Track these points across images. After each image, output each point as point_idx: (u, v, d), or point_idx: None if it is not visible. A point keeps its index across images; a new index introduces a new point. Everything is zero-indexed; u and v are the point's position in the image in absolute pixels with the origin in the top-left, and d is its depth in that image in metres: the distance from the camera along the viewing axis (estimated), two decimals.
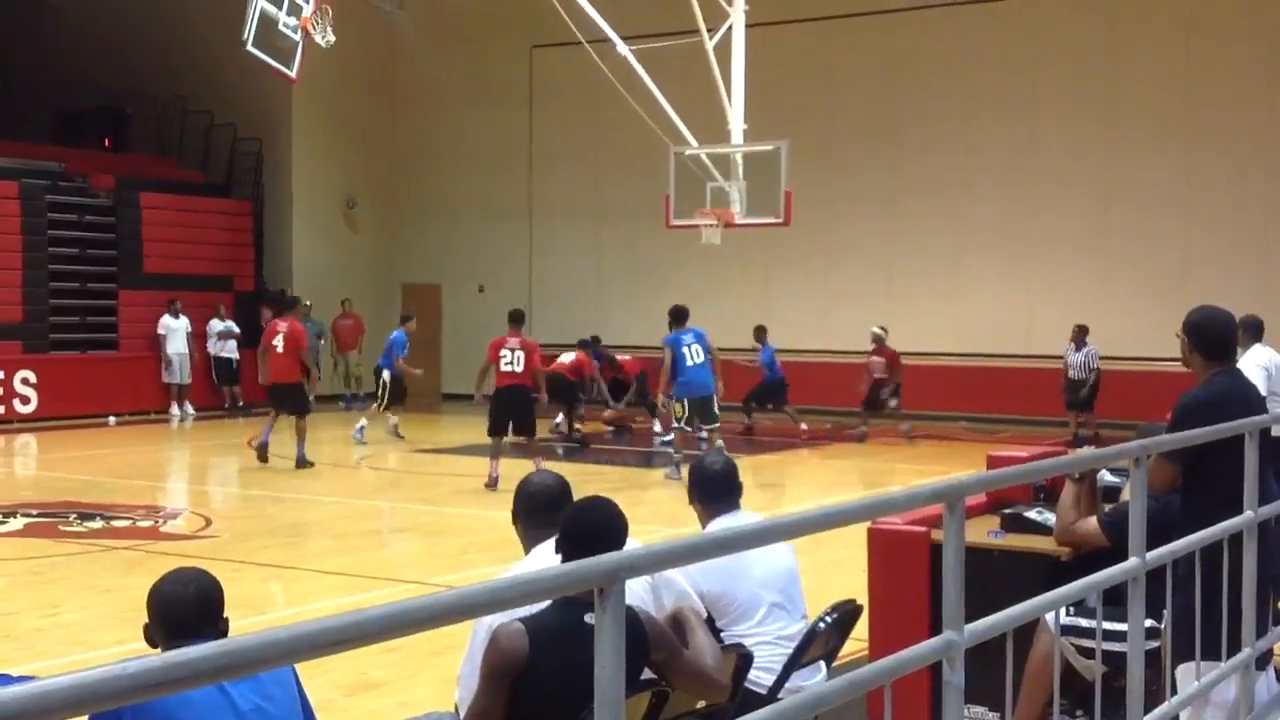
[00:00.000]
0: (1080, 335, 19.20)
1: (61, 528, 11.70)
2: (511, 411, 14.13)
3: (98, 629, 8.04)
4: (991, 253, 21.83)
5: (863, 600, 5.29)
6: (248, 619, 7.47)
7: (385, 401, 18.16)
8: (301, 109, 25.07)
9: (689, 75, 16.59)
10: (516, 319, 14.56)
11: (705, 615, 4.61)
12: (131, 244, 23.17)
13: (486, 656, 3.60)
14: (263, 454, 15.73)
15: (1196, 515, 4.38)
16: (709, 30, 16.30)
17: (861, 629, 5.26)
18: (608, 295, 24.05)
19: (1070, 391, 19.22)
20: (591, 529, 3.69)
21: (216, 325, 23.07)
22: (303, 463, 15.65)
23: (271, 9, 15.73)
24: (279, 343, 15.80)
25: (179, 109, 25.57)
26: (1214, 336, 4.77)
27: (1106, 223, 21.11)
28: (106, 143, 26.68)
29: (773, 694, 4.48)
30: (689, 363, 14.59)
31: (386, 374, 18.10)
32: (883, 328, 19.51)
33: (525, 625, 3.51)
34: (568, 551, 3.65)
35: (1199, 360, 4.75)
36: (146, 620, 3.21)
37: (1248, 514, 4.47)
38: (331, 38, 15.76)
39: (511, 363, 13.97)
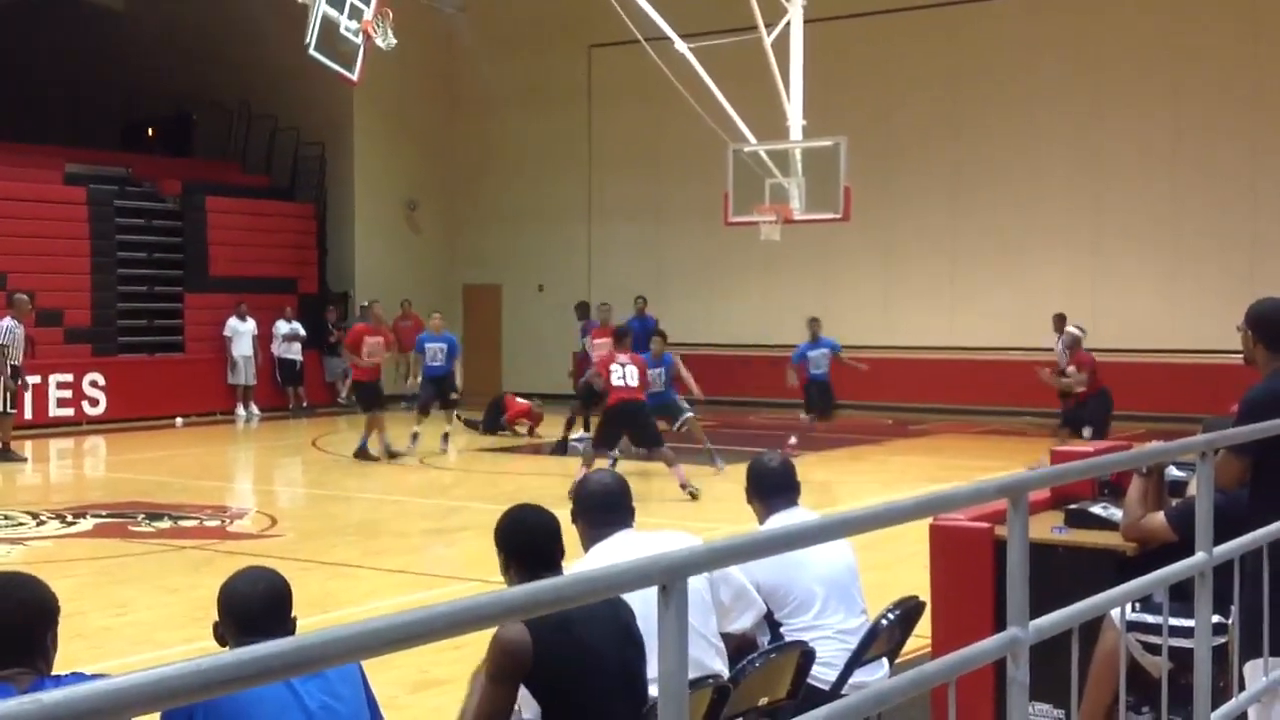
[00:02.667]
0: (1060, 323, 19.06)
1: (130, 528, 11.88)
2: (627, 426, 13.89)
3: (166, 628, 8.16)
4: (1056, 247, 21.62)
5: (925, 597, 5.27)
6: (314, 617, 7.54)
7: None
8: (363, 112, 25.29)
9: (747, 72, 16.56)
10: (619, 336, 14.60)
11: (765, 609, 4.62)
12: (197, 247, 23.48)
13: (492, 659, 3.61)
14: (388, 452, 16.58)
15: (1264, 510, 4.32)
16: (767, 26, 16.26)
17: (924, 626, 5.24)
18: (667, 294, 24.04)
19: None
20: (543, 532, 3.82)
21: (282, 327, 23.33)
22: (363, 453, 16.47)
23: (333, 13, 15.86)
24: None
25: (243, 114, 25.90)
26: (1278, 327, 4.68)
27: (1174, 215, 20.85)
28: (171, 148, 27.06)
29: (835, 690, 4.48)
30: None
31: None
32: (1080, 326, 16.58)
33: (524, 622, 3.49)
34: (523, 559, 3.75)
35: (1263, 353, 4.65)
36: (216, 618, 3.27)
37: None
38: (393, 40, 15.86)
39: (623, 377, 13.75)
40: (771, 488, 5.00)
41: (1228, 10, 20.37)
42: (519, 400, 20.36)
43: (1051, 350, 19.16)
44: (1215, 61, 20.43)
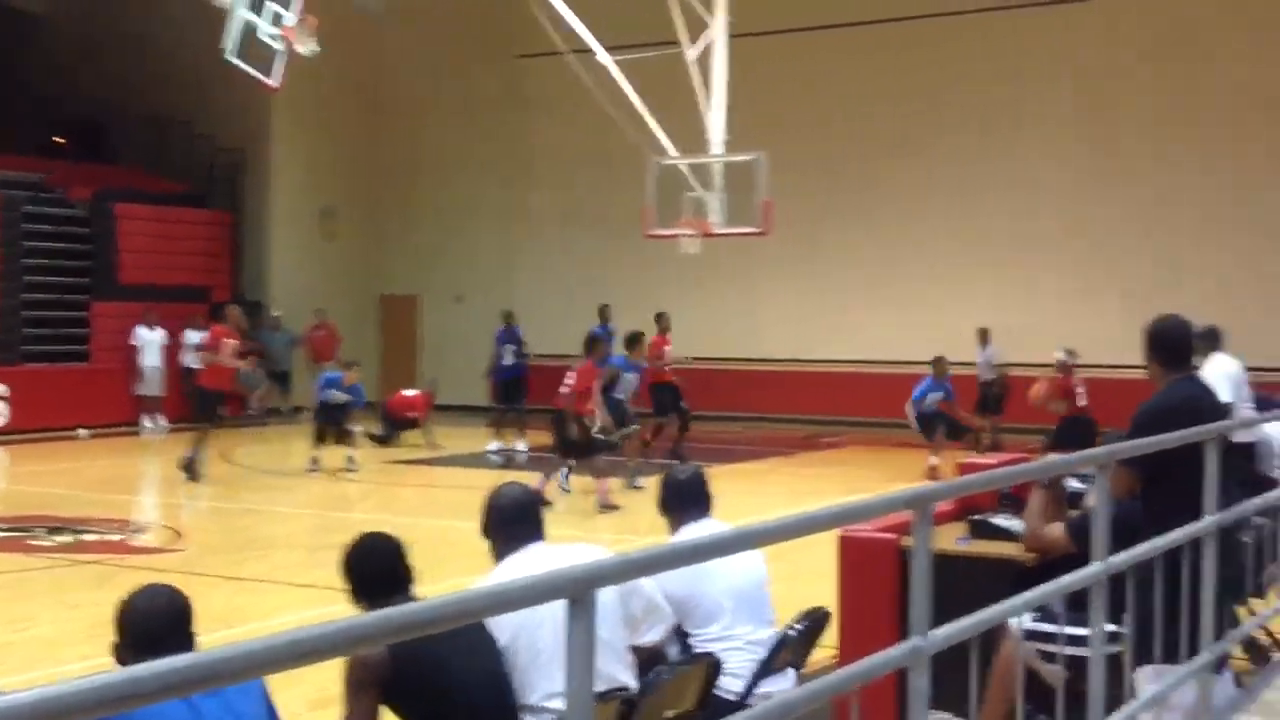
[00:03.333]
0: (983, 337, 19.51)
1: (30, 542, 11.62)
2: (560, 433, 13.85)
3: (66, 644, 8.00)
4: (971, 262, 21.95)
5: (833, 607, 5.33)
6: (219, 633, 7.46)
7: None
8: (282, 119, 25.00)
9: (670, 86, 16.65)
10: (588, 344, 14.50)
11: (675, 622, 4.65)
12: (107, 255, 23.06)
13: (347, 670, 3.64)
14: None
15: (1157, 521, 4.44)
16: (691, 41, 16.36)
17: (831, 636, 5.30)
18: (587, 305, 24.02)
19: (980, 394, 19.43)
20: (383, 560, 3.87)
21: (192, 337, 22.94)
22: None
23: (253, 19, 15.68)
24: None
25: (159, 120, 25.48)
26: (1172, 344, 4.85)
27: (1085, 231, 21.28)
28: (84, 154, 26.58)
29: (742, 701, 4.52)
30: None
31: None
32: (1069, 350, 16.66)
33: None
34: (366, 588, 3.79)
35: (1157, 368, 4.83)
36: (115, 638, 3.22)
37: (1208, 519, 4.53)
38: (314, 47, 15.71)
39: (566, 384, 13.76)
40: (683, 499, 5.04)
41: (1137, 30, 20.86)
42: (405, 393, 20.07)
43: (972, 364, 19.52)
44: (1126, 79, 20.91)
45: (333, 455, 16.69)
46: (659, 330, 18.34)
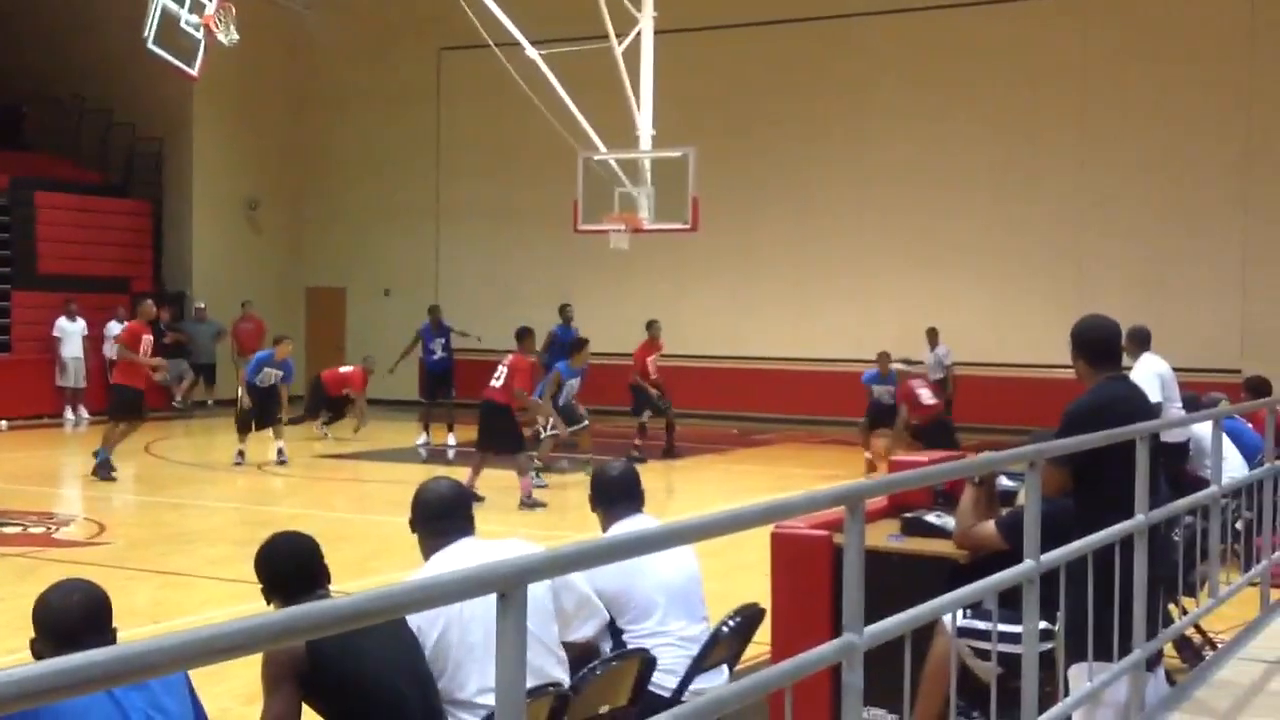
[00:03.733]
0: (933, 338, 19.75)
1: None
2: (488, 427, 13.55)
3: None
4: (897, 260, 22.13)
5: (766, 604, 5.33)
6: (144, 627, 7.33)
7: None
8: (203, 109, 24.68)
9: (598, 81, 16.60)
10: (519, 336, 14.23)
11: (608, 617, 4.62)
12: (25, 244, 22.63)
13: (265, 664, 3.61)
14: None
15: (1088, 519, 4.47)
16: (618, 36, 16.33)
17: (764, 633, 5.30)
18: (516, 300, 23.96)
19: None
20: (296, 560, 3.84)
21: (114, 328, 22.55)
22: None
23: (173, 7, 15.46)
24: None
25: (77, 107, 25.03)
26: (1099, 344, 4.89)
27: (1004, 231, 21.52)
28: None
29: (676, 697, 4.50)
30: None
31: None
32: (906, 359, 17.23)
33: None
34: (279, 588, 3.78)
35: (1084, 367, 4.87)
36: (33, 634, 3.14)
37: (1139, 518, 4.58)
38: (235, 36, 15.52)
39: (496, 377, 13.56)
40: (614, 495, 5.02)
41: (1056, 30, 21.13)
42: (342, 370, 19.74)
43: (922, 363, 19.69)
44: (1044, 79, 21.17)
45: (259, 449, 16.48)
46: (649, 337, 18.47)
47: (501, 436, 13.50)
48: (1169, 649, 6.02)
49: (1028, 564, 3.97)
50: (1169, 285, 20.18)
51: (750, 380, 22.57)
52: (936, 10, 21.75)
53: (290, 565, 3.85)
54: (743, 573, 7.97)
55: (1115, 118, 20.75)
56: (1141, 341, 9.89)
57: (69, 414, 21.83)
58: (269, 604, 3.85)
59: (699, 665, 4.65)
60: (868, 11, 22.00)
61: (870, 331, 21.27)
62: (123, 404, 15.27)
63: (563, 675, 4.13)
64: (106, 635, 3.11)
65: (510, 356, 13.84)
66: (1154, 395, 8.38)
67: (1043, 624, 4.13)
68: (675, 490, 15.54)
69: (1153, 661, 4.86)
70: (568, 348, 16.36)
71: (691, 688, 4.59)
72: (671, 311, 21.73)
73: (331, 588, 3.90)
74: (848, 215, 22.44)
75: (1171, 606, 5.75)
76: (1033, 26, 21.30)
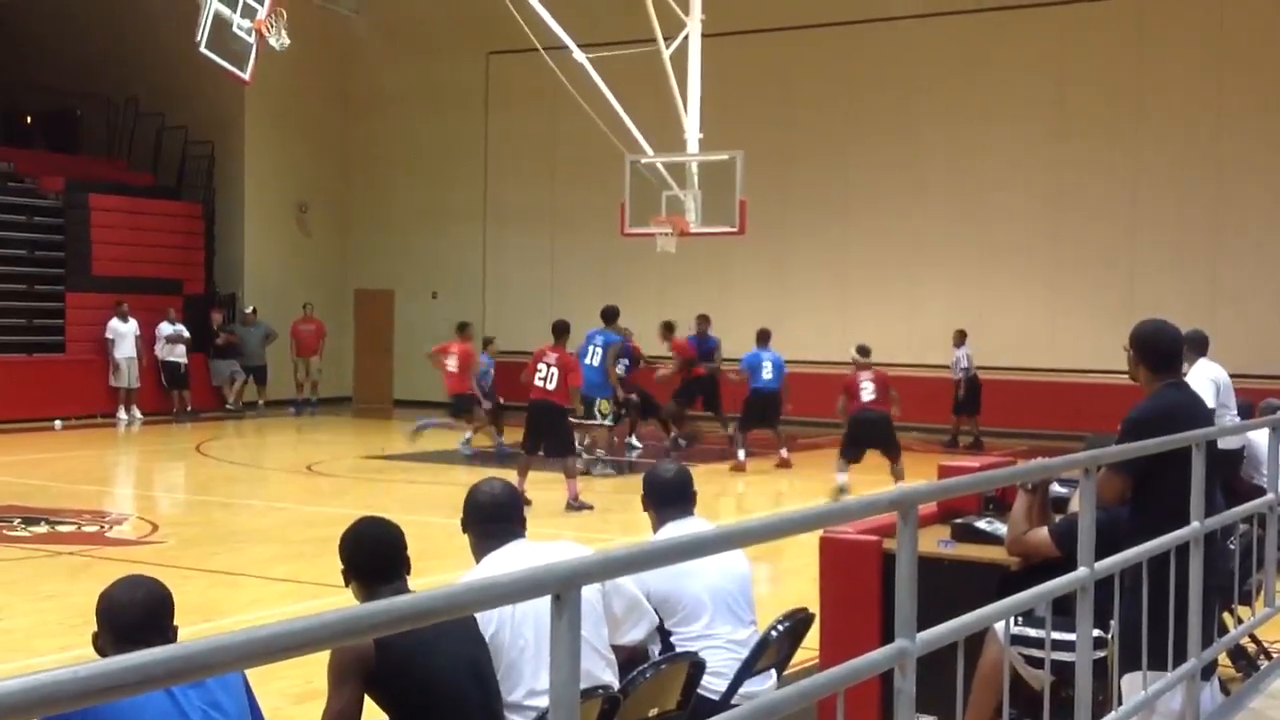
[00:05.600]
0: (960, 339, 19.62)
1: (5, 532, 11.53)
2: (542, 428, 13.34)
3: (41, 635, 7.94)
4: (943, 262, 22.00)
5: (814, 608, 5.31)
6: (196, 626, 7.40)
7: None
8: (254, 112, 24.89)
9: (645, 84, 16.63)
10: (559, 331, 13.96)
11: (657, 621, 4.62)
12: (80, 246, 22.90)
13: (331, 660, 3.63)
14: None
15: (1145, 527, 4.42)
16: (666, 39, 16.34)
17: (812, 637, 5.28)
18: (562, 302, 24.01)
19: (956, 394, 19.67)
20: (384, 547, 3.81)
21: (166, 329, 22.83)
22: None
23: (225, 10, 15.60)
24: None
25: (130, 111, 25.33)
26: (1161, 350, 4.81)
27: (1054, 235, 21.34)
28: (54, 144, 26.40)
29: (725, 701, 4.49)
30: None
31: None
32: (861, 347, 17.39)
33: None
34: (363, 574, 3.76)
35: (1145, 373, 4.79)
36: (95, 628, 3.18)
37: (1194, 525, 4.53)
38: (286, 40, 15.64)
39: (545, 378, 13.29)
40: (667, 497, 5.00)
41: (1110, 35, 20.93)
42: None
43: (947, 367, 19.57)
44: (1096, 83, 20.98)
45: (290, 452, 16.65)
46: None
47: (555, 438, 13.37)
48: (1223, 658, 5.94)
49: (1082, 571, 3.93)
50: (1222, 289, 19.94)
51: (794, 384, 22.45)
52: (984, 13, 21.58)
53: (374, 552, 3.85)
54: (789, 577, 7.96)
55: (1166, 118, 20.52)
56: (1199, 346, 9.77)
57: (122, 414, 22.06)
58: (347, 584, 3.87)
59: (748, 669, 4.64)
60: (914, 14, 21.87)
61: (916, 336, 21.17)
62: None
63: (612, 678, 4.14)
64: (168, 633, 3.14)
65: (553, 354, 13.49)
66: (1209, 401, 8.28)
67: (1096, 632, 4.09)
68: (721, 495, 15.51)
69: (1208, 671, 4.81)
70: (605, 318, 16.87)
71: (740, 692, 4.58)
72: (715, 314, 21.69)
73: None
74: (894, 218, 22.32)
75: (1226, 615, 5.68)
76: (1083, 29, 21.11)
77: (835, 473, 14.44)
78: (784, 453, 17.65)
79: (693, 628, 4.75)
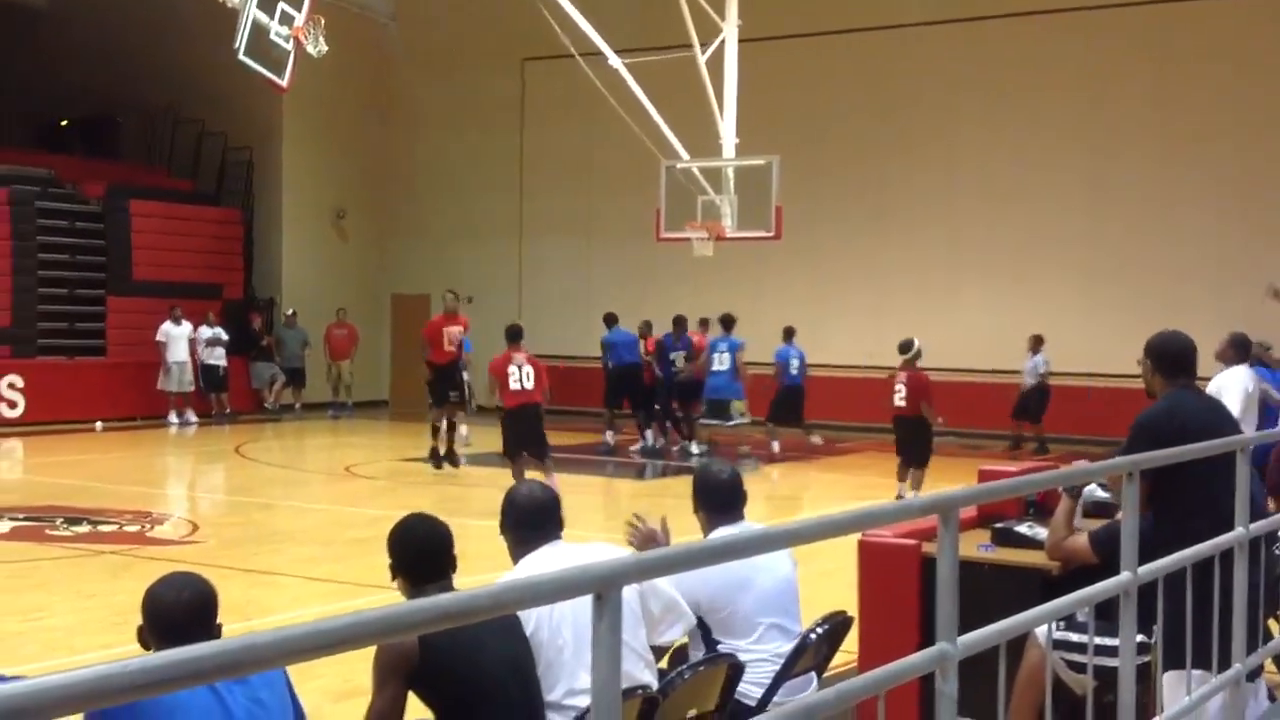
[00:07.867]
0: (1036, 344, 19.43)
1: (48, 531, 11.66)
2: (530, 430, 13.40)
3: (82, 633, 8.01)
4: (978, 269, 21.88)
5: (852, 612, 5.29)
6: (236, 624, 7.43)
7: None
8: (292, 119, 25.05)
9: (681, 89, 16.62)
10: (516, 335, 13.81)
11: (694, 620, 4.60)
12: (121, 251, 23.13)
13: (376, 659, 3.64)
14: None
15: (1164, 532, 4.40)
16: (701, 45, 16.34)
17: (850, 641, 5.26)
18: (598, 309, 24.04)
19: (1019, 399, 19.57)
20: (432, 544, 3.87)
21: (205, 332, 22.98)
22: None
23: (263, 18, 15.70)
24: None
25: (169, 117, 25.54)
26: (1173, 357, 4.86)
27: (1094, 241, 21.18)
28: (94, 150, 26.66)
29: (763, 704, 4.48)
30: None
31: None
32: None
33: None
34: (410, 570, 3.79)
35: (1159, 381, 4.86)
36: (140, 623, 3.21)
37: (1239, 530, 4.48)
38: (324, 48, 15.74)
39: (520, 380, 13.34)
40: (720, 500, 4.91)
41: (1141, 40, 20.76)
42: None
43: (984, 372, 19.45)
44: (1132, 89, 20.83)
45: (327, 455, 16.69)
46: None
47: (541, 439, 13.46)
48: (1269, 664, 5.88)
49: (1125, 576, 3.90)
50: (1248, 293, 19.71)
51: (830, 388, 22.38)
52: (1021, 16, 21.41)
53: (421, 550, 3.89)
54: (823, 580, 7.93)
55: (1200, 127, 20.32)
56: (1241, 349, 9.67)
57: (173, 417, 22.14)
58: (393, 580, 3.89)
59: (786, 672, 4.62)
60: (951, 19, 21.76)
61: (954, 342, 21.05)
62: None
63: (650, 679, 4.13)
64: (213, 631, 3.17)
65: (519, 355, 13.40)
66: (1234, 407, 8.19)
67: (1139, 637, 4.05)
68: (758, 499, 15.47)
69: (1253, 675, 4.76)
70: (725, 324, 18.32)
71: (778, 695, 4.56)
72: (750, 320, 21.67)
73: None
74: (931, 225, 22.22)
75: (1271, 622, 5.63)
76: (1120, 36, 20.94)
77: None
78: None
79: (741, 642, 4.70)
